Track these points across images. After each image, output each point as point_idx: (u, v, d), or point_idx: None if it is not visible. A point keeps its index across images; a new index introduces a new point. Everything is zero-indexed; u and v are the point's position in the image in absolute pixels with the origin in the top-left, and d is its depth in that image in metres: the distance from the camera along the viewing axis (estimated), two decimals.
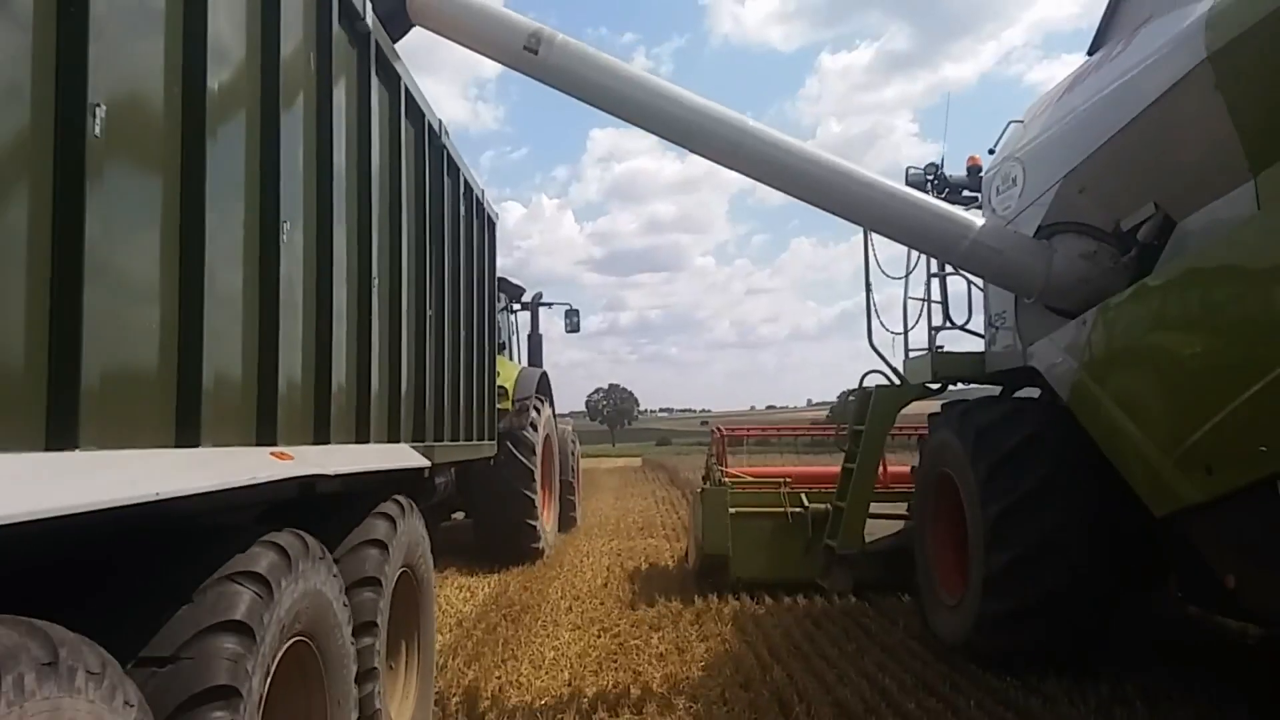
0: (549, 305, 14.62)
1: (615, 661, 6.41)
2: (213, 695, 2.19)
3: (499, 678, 5.93)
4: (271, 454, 2.73)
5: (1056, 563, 5.58)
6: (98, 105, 1.89)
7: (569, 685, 5.83)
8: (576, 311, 14.88)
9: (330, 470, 3.07)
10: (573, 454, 14.12)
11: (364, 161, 3.94)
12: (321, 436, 3.31)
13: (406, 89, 4.69)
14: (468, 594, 9.10)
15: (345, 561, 3.49)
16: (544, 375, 11.98)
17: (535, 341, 13.83)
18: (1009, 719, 5.02)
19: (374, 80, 4.10)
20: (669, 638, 7.04)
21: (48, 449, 1.80)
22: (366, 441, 3.81)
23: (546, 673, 6.10)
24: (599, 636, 7.16)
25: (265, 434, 2.82)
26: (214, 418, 2.44)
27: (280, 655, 2.58)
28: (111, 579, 2.27)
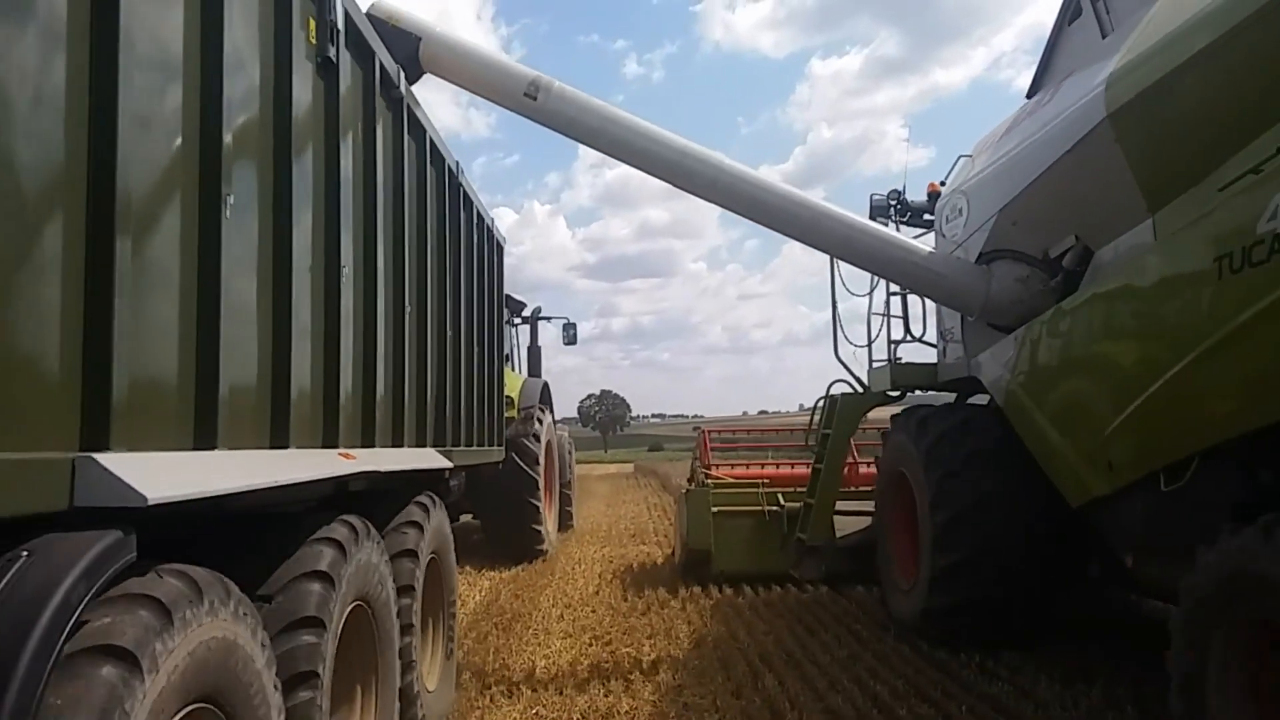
0: (548, 319, 15.51)
1: (607, 669, 6.43)
2: (305, 623, 2.98)
3: (489, 686, 5.96)
4: (339, 454, 3.51)
5: (993, 567, 6.38)
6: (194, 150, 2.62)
7: (560, 695, 5.84)
8: (574, 325, 15.74)
9: (383, 468, 3.86)
10: (569, 459, 14.94)
11: (399, 206, 4.73)
12: (368, 441, 4.10)
13: (431, 140, 5.47)
14: (460, 601, 9.61)
15: (389, 538, 4.28)
16: (545, 385, 12.80)
17: (535, 353, 14.66)
18: None
19: (405, 135, 4.89)
20: (660, 645, 7.07)
21: (194, 448, 2.59)
22: (401, 445, 4.60)
23: (538, 680, 6.12)
24: (590, 645, 7.16)
25: (330, 438, 3.60)
26: (296, 425, 3.22)
27: (345, 615, 3.37)
28: (234, 541, 3.03)
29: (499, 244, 8.12)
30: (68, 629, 1.80)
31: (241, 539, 2.99)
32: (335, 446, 3.59)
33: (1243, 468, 4.35)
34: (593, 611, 8.40)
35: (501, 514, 11.08)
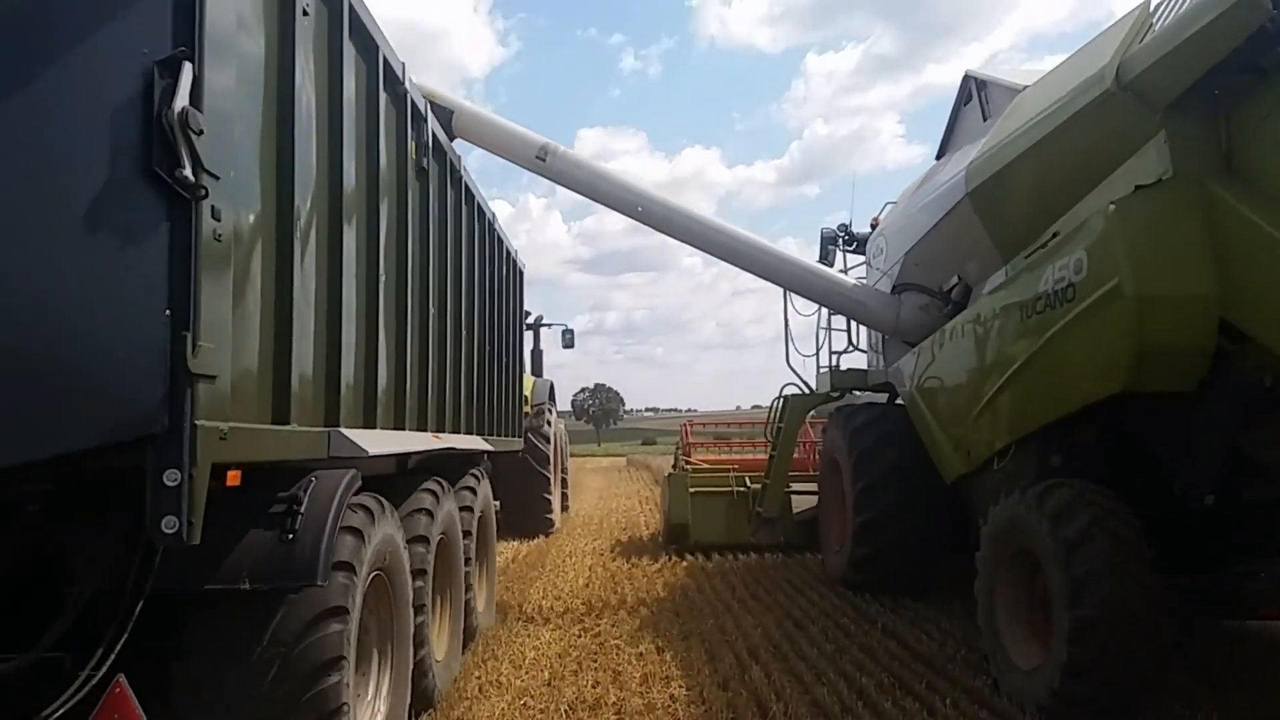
0: (548, 326, 17.64)
1: (595, 661, 6.54)
2: (418, 540, 4.93)
3: (479, 677, 6.02)
4: (431, 435, 5.44)
5: (895, 524, 8.39)
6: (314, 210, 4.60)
7: (549, 685, 5.93)
8: (571, 331, 17.91)
9: (458, 447, 5.82)
10: (566, 449, 17.00)
11: (458, 257, 6.62)
12: (443, 428, 6.02)
13: (479, 204, 7.35)
14: None
15: (457, 495, 6.24)
16: (551, 385, 14.93)
17: (537, 356, 16.79)
18: (983, 717, 5.22)
19: (464, 205, 6.80)
20: (649, 637, 7.23)
21: (363, 427, 4.49)
22: (459, 433, 6.53)
23: (527, 672, 6.21)
24: (580, 636, 7.29)
25: (423, 424, 5.52)
26: (410, 416, 5.13)
27: (437, 542, 5.30)
28: (385, 486, 4.90)
29: (520, 270, 10.04)
30: (343, 509, 3.69)
31: (388, 485, 4.91)
32: (427, 430, 5.52)
33: (1038, 452, 6.25)
34: (583, 604, 8.59)
35: (519, 495, 13.14)
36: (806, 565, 10.18)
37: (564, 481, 16.48)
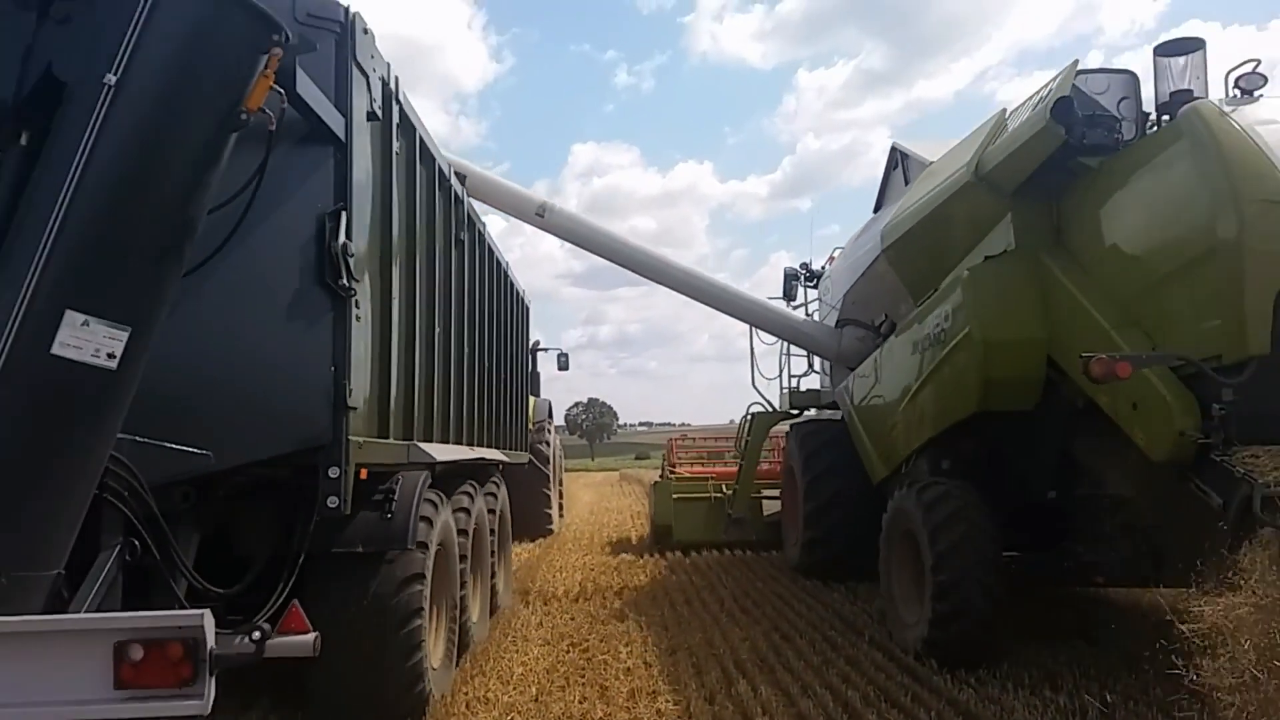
0: (545, 350, 19.48)
1: (583, 677, 6.56)
2: (460, 531, 6.74)
3: (466, 693, 6.02)
4: (467, 448, 7.24)
5: (835, 511, 10.16)
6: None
7: (536, 700, 5.96)
8: (566, 354, 19.81)
9: (487, 457, 7.63)
10: (561, 461, 18.83)
11: (483, 302, 8.36)
12: (472, 442, 7.80)
13: (497, 260, 9.16)
14: None
15: (485, 495, 8.02)
16: (549, 404, 16.80)
17: (535, 378, 18.56)
18: None
19: (490, 262, 8.62)
20: (637, 652, 7.27)
21: (424, 441, 6.28)
22: (484, 446, 8.30)
23: (514, 688, 6.21)
24: (568, 651, 7.33)
25: (460, 438, 7.30)
26: (453, 433, 6.91)
27: (472, 530, 7.09)
28: (440, 484, 6.69)
29: (527, 307, 11.86)
30: (421, 499, 5.47)
31: (441, 484, 6.64)
32: (463, 444, 7.30)
33: (932, 458, 7.97)
34: (571, 619, 8.67)
35: (524, 501, 14.92)
36: (794, 577, 10.83)
37: (560, 492, 18.29)
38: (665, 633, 8.02)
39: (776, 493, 13.28)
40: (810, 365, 12.71)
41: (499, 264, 9.40)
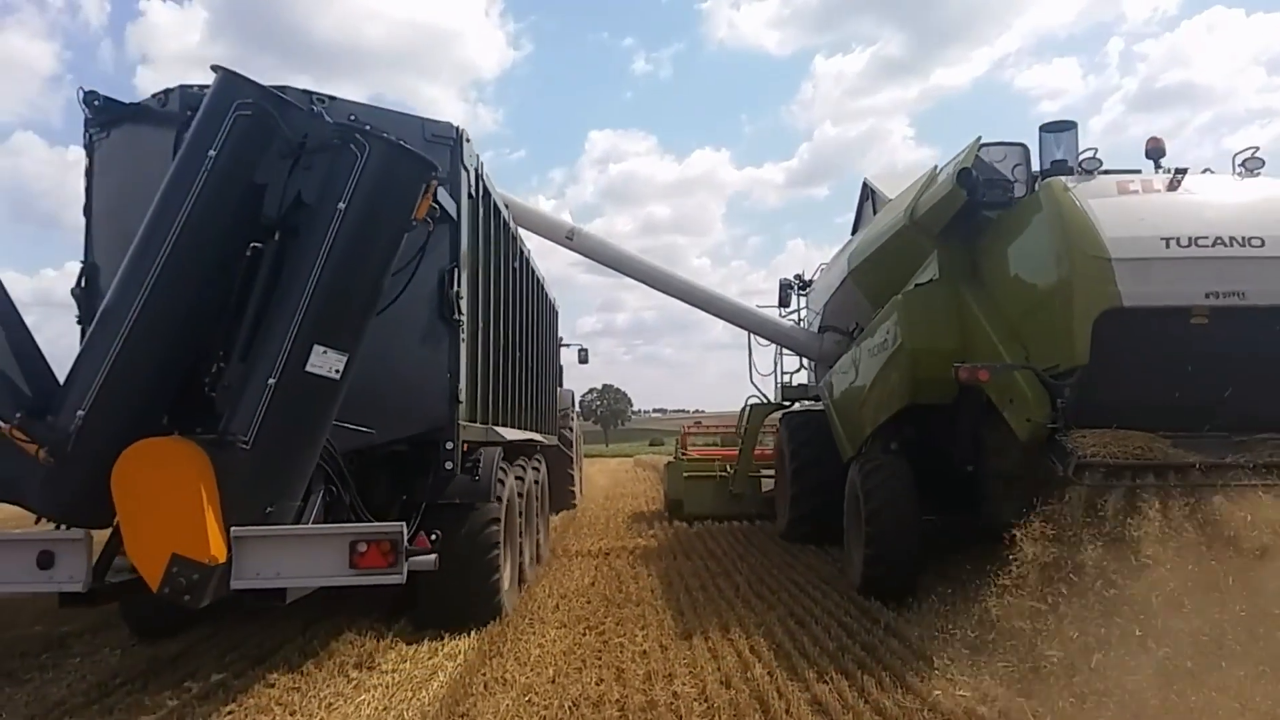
0: (567, 345, 21.70)
1: (599, 659, 6.64)
2: (517, 494, 9.05)
3: (485, 674, 6.15)
4: (522, 431, 9.54)
5: (819, 494, 12.17)
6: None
7: (553, 682, 6.03)
8: (586, 349, 22.03)
9: (535, 438, 9.98)
10: (580, 444, 21.18)
11: (531, 316, 10.64)
12: (524, 426, 10.07)
13: (538, 279, 11.47)
14: None
15: (533, 469, 10.32)
16: (572, 393, 19.20)
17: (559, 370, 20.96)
18: (982, 712, 5.22)
19: (535, 282, 10.91)
20: (653, 635, 7.37)
21: (496, 424, 8.56)
22: (531, 430, 10.57)
23: (532, 669, 6.30)
24: (584, 634, 7.46)
25: (520, 424, 9.58)
26: (511, 418, 9.19)
27: (527, 493, 9.38)
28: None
29: (556, 312, 14.15)
30: (497, 466, 7.75)
31: (506, 457, 8.87)
32: (521, 428, 9.58)
33: (882, 440, 10.08)
34: (588, 602, 8.82)
35: (553, 477, 17.22)
36: (809, 565, 11.04)
37: (580, 470, 20.70)
38: (681, 617, 8.12)
39: (772, 473, 15.57)
40: (801, 363, 14.97)
41: (538, 280, 11.64)
